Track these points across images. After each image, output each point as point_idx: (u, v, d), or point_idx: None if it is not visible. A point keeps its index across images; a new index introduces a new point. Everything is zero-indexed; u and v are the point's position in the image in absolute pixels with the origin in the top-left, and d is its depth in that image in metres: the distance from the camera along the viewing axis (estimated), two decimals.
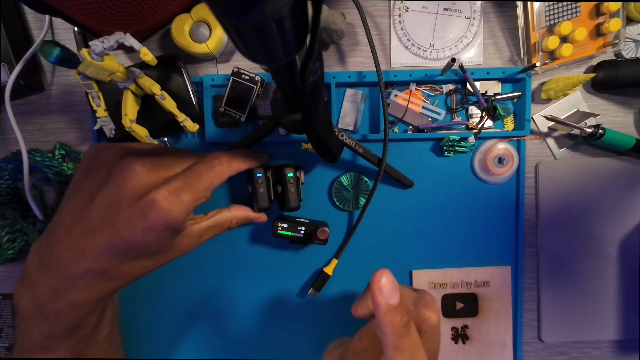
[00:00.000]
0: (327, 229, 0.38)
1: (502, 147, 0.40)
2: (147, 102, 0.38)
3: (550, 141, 0.42)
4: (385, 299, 0.22)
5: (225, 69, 0.41)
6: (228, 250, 0.42)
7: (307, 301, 0.42)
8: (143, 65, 0.37)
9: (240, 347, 0.42)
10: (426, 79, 0.40)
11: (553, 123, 0.40)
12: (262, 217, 0.38)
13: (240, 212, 0.35)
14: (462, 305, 0.42)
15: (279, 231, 0.37)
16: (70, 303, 0.26)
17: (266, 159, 0.36)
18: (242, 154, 0.33)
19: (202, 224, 0.32)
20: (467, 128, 0.41)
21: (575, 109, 0.42)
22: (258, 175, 0.37)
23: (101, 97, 0.35)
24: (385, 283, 0.23)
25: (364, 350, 0.27)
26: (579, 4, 0.38)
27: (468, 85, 0.40)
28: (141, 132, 0.36)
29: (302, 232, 0.38)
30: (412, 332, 0.24)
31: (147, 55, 0.33)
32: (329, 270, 0.40)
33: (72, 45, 0.37)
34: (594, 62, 0.41)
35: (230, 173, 0.31)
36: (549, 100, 0.41)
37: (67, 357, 0.28)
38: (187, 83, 0.39)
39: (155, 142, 0.38)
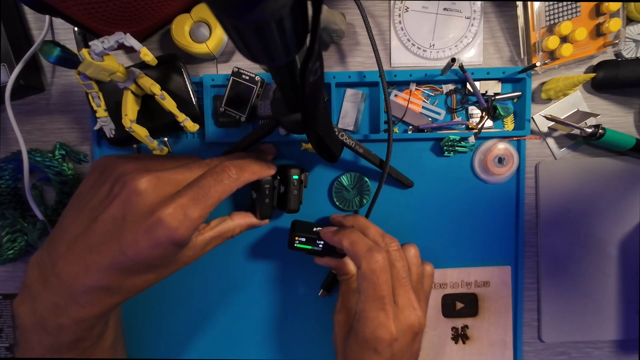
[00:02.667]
0: None
1: (502, 147, 0.40)
2: (147, 102, 0.38)
3: (550, 141, 0.42)
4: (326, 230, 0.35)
5: (225, 69, 0.41)
6: (237, 253, 0.42)
7: (318, 302, 0.42)
8: (143, 65, 0.37)
9: (251, 348, 0.42)
10: (426, 79, 0.40)
11: (553, 123, 0.40)
12: (263, 222, 0.37)
13: (242, 220, 0.34)
14: (462, 305, 0.42)
15: (296, 245, 0.36)
16: (73, 318, 0.26)
17: (275, 169, 0.35)
18: (251, 165, 0.31)
19: (206, 235, 0.31)
20: (467, 128, 0.41)
21: (575, 109, 0.42)
22: (265, 185, 0.36)
23: (101, 97, 0.35)
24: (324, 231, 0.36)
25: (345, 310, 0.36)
26: (579, 4, 0.38)
27: (468, 85, 0.40)
28: (141, 132, 0.36)
29: (320, 245, 0.37)
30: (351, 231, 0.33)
31: (147, 55, 0.33)
32: None
33: (72, 45, 0.37)
34: (594, 62, 0.41)
35: (239, 186, 0.30)
36: (549, 100, 0.41)
37: None
38: (187, 83, 0.38)
39: (156, 142, 0.38)
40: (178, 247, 0.27)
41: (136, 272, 0.26)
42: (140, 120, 0.37)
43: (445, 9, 0.40)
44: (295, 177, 0.37)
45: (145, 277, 0.27)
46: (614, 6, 0.38)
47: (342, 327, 0.35)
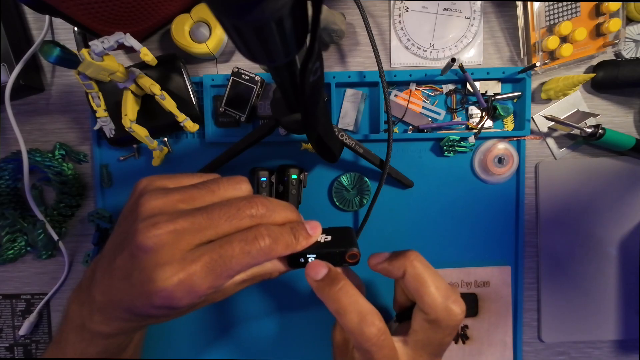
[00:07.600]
0: (356, 250, 0.28)
1: (502, 147, 0.40)
2: (147, 102, 0.38)
3: (550, 141, 0.42)
4: (313, 277, 0.29)
5: (225, 69, 0.41)
6: None
7: (318, 302, 0.42)
8: (143, 65, 0.37)
9: (251, 348, 0.42)
10: (426, 79, 0.40)
11: (553, 123, 0.40)
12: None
13: (283, 263, 0.29)
14: None
15: (301, 260, 0.29)
16: (101, 333, 0.27)
17: (310, 242, 0.29)
18: (285, 236, 0.26)
19: (237, 278, 0.27)
20: (467, 128, 0.41)
21: (575, 109, 0.42)
22: (263, 179, 0.37)
23: (101, 97, 0.35)
24: (313, 267, 0.29)
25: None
26: (579, 4, 0.38)
27: (468, 85, 0.40)
28: (141, 132, 0.36)
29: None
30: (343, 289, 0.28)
31: (147, 55, 0.33)
32: None
33: (72, 45, 0.37)
34: (594, 62, 0.41)
35: (267, 260, 0.25)
36: (549, 100, 0.41)
37: None
38: (187, 83, 0.39)
39: (155, 142, 0.38)
40: (184, 309, 0.25)
41: (151, 317, 0.25)
42: (140, 120, 0.37)
43: (445, 9, 0.40)
44: (294, 176, 0.37)
45: (161, 319, 0.26)
46: (614, 6, 0.38)
47: (341, 350, 0.32)
